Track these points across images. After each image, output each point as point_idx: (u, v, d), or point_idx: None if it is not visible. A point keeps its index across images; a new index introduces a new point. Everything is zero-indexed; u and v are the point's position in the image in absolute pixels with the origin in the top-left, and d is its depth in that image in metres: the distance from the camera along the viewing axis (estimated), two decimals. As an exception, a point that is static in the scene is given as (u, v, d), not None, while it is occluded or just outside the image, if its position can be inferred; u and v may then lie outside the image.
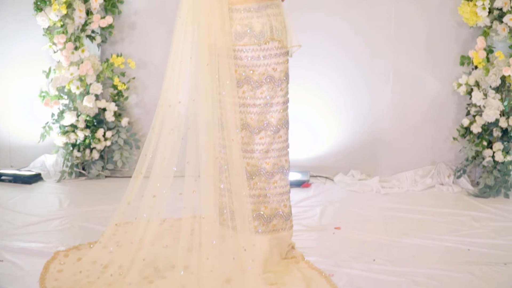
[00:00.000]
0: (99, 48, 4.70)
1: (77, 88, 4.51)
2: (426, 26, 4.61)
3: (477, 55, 4.30)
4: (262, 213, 3.11)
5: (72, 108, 4.63)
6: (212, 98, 3.02)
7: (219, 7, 3.00)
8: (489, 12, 4.25)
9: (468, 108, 4.48)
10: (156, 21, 4.77)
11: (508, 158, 4.32)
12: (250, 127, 3.07)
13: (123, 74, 4.71)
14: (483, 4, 4.19)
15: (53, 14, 4.44)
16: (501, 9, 4.24)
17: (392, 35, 4.62)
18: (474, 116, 4.43)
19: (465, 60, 4.47)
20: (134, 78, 4.79)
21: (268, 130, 3.08)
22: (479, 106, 4.38)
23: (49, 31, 4.57)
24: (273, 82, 3.05)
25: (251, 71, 3.04)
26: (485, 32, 4.33)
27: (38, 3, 4.52)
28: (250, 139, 3.09)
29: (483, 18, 4.25)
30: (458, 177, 4.51)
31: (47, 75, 4.64)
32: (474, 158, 4.40)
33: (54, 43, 4.53)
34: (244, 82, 3.06)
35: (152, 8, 4.76)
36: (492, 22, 4.29)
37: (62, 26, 4.52)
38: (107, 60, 4.66)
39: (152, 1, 4.76)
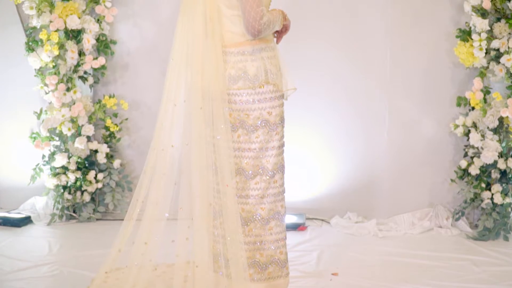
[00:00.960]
0: (91, 89, 4.64)
1: (69, 129, 4.43)
2: (422, 67, 4.56)
3: (474, 96, 4.26)
4: (258, 260, 3.02)
5: (63, 150, 4.55)
6: (206, 142, 2.96)
7: (213, 50, 2.95)
8: (486, 53, 4.20)
9: (466, 150, 4.41)
10: (150, 62, 4.71)
11: (507, 200, 4.24)
12: (245, 172, 3.00)
13: (115, 115, 4.64)
14: (480, 45, 4.15)
15: (45, 55, 4.38)
16: (498, 50, 4.20)
17: (388, 76, 4.58)
18: (472, 157, 4.36)
19: (462, 101, 4.41)
20: (127, 119, 4.72)
21: (264, 175, 3.00)
22: (477, 148, 4.31)
23: (41, 71, 4.50)
24: (268, 126, 2.99)
25: (246, 115, 2.98)
26: (482, 73, 4.29)
27: (30, 43, 4.46)
28: (245, 184, 3.01)
29: (480, 59, 4.20)
30: (457, 219, 4.43)
31: (38, 116, 4.56)
32: (472, 200, 4.33)
33: (45, 84, 4.46)
34: (239, 126, 2.99)
35: (145, 48, 4.71)
36: (489, 63, 4.25)
37: (54, 67, 4.46)
38: (100, 101, 4.60)
39: (146, 42, 4.71)
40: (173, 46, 3.08)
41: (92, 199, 4.64)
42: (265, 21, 2.88)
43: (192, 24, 3.00)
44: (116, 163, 4.62)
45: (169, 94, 3.05)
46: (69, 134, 4.46)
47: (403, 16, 4.54)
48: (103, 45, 4.54)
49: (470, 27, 4.30)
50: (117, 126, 4.60)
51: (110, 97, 4.60)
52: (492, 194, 4.29)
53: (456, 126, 4.41)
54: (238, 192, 3.00)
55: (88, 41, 4.40)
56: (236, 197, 2.96)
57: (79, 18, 4.41)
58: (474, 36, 4.18)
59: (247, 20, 2.87)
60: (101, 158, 4.56)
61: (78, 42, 4.48)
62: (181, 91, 3.03)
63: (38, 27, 4.43)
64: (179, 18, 3.08)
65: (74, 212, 4.62)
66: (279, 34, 3.17)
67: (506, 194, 4.27)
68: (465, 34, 4.32)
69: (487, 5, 4.14)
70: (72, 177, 4.51)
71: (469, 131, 4.37)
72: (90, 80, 4.57)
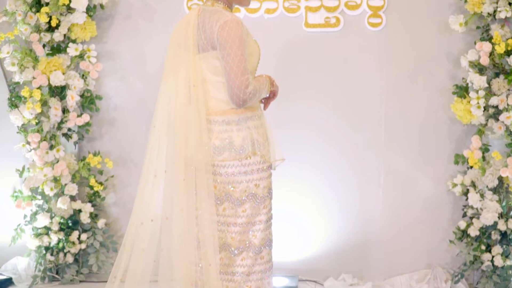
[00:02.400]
0: (75, 146, 4.47)
1: (51, 189, 4.26)
2: (418, 123, 4.41)
3: (473, 155, 4.09)
4: None
5: (46, 209, 4.37)
6: (189, 214, 2.79)
7: (197, 117, 2.79)
8: (484, 109, 4.06)
9: (465, 210, 4.24)
10: (137, 117, 4.57)
11: (508, 262, 4.06)
12: (230, 248, 2.82)
13: (100, 172, 4.47)
14: (478, 103, 4.00)
15: (27, 112, 4.22)
16: (496, 107, 4.05)
17: (383, 132, 4.42)
18: (471, 218, 4.19)
19: (459, 159, 4.25)
20: (112, 176, 4.55)
21: (250, 251, 2.83)
22: (476, 208, 4.14)
23: (23, 128, 4.34)
24: (256, 199, 2.82)
25: (232, 188, 2.81)
26: (480, 130, 4.13)
27: (13, 99, 4.31)
28: (231, 261, 2.83)
29: (478, 117, 4.05)
30: (456, 282, 4.24)
31: (21, 174, 4.40)
32: (472, 262, 4.14)
33: (28, 142, 4.29)
34: (225, 199, 2.82)
35: (132, 103, 4.57)
36: (487, 120, 4.10)
37: (37, 123, 4.30)
38: (84, 159, 4.43)
39: (133, 97, 4.57)
40: (155, 112, 2.93)
41: (76, 260, 4.45)
42: (251, 90, 2.73)
43: (175, 90, 2.86)
44: (101, 222, 4.44)
45: (150, 163, 2.89)
46: (51, 194, 4.28)
47: (398, 70, 4.40)
48: (88, 101, 4.39)
49: (467, 83, 4.15)
50: (101, 184, 4.43)
51: (94, 154, 4.43)
52: (493, 256, 4.11)
53: (454, 185, 4.24)
54: (223, 269, 2.82)
55: (72, 98, 4.25)
56: (220, 274, 2.77)
57: (64, 73, 4.26)
58: (471, 93, 4.04)
59: (231, 89, 2.72)
60: (84, 218, 4.38)
61: (62, 98, 4.32)
62: (163, 160, 2.86)
63: (21, 83, 4.27)
64: (162, 84, 2.94)
65: (57, 273, 4.43)
66: (266, 100, 3.03)
67: (507, 256, 4.09)
68: (462, 91, 4.18)
69: (485, 61, 4.00)
70: (54, 238, 4.33)
71: (467, 190, 4.20)
72: (75, 137, 4.41)
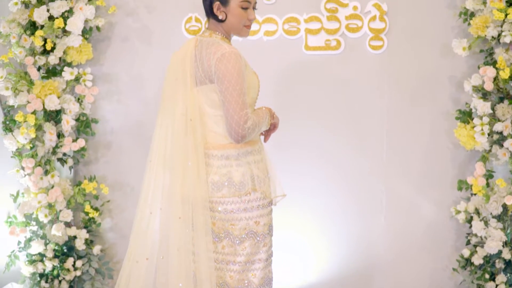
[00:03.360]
0: (71, 170, 4.37)
1: (45, 216, 4.17)
2: (420, 147, 4.33)
3: (476, 182, 4.00)
4: None
5: (41, 235, 4.27)
6: (186, 252, 2.69)
7: (194, 152, 2.71)
8: (488, 135, 3.97)
9: (468, 238, 4.15)
10: (134, 141, 4.48)
11: (513, 291, 3.97)
12: (229, 287, 2.72)
13: (96, 197, 4.38)
14: (482, 130, 3.91)
15: (21, 137, 4.13)
16: (501, 133, 3.96)
17: (384, 156, 4.34)
18: (475, 246, 4.10)
19: (463, 185, 4.16)
20: (108, 201, 4.46)
21: (249, 291, 2.73)
22: (480, 237, 4.05)
23: (18, 152, 4.24)
24: (256, 237, 2.73)
25: (231, 225, 2.72)
26: (484, 157, 4.04)
27: (7, 122, 4.22)
28: (229, 301, 2.73)
29: (482, 143, 3.96)
30: (459, 310, 4.15)
31: (15, 199, 4.30)
32: (476, 291, 4.05)
33: (22, 167, 4.20)
34: (224, 236, 2.73)
35: (129, 127, 4.48)
36: (491, 146, 4.01)
37: (32, 148, 4.20)
38: (79, 184, 4.33)
39: (130, 120, 4.48)
40: (151, 146, 2.84)
41: (71, 287, 4.34)
42: (250, 125, 2.64)
43: (171, 124, 2.77)
44: (96, 249, 4.34)
45: (146, 199, 2.81)
46: (45, 220, 4.18)
47: (400, 94, 4.32)
48: (84, 125, 4.30)
49: (471, 109, 4.06)
50: (97, 210, 4.34)
51: (90, 180, 4.34)
52: (497, 285, 4.02)
53: (458, 212, 4.15)
54: (222, 309, 2.73)
55: (68, 123, 4.16)
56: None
57: (59, 97, 4.17)
58: (475, 120, 3.95)
59: (229, 124, 2.64)
60: (80, 245, 4.28)
61: (58, 121, 4.23)
62: (158, 197, 2.77)
63: (16, 106, 4.18)
64: (158, 117, 2.86)
65: (51, 300, 4.32)
66: (267, 132, 2.94)
67: (511, 285, 4.00)
68: (466, 116, 4.09)
69: (489, 86, 3.92)
70: (49, 265, 4.23)
71: (471, 217, 4.11)
72: (70, 162, 4.32)
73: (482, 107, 3.94)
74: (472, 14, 4.08)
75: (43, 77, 4.26)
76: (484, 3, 3.98)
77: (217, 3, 2.81)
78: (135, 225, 2.81)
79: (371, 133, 4.36)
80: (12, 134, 4.17)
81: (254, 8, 2.87)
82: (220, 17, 2.82)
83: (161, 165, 2.79)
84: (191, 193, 2.69)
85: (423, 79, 4.30)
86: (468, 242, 4.18)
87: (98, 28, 4.32)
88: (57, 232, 4.20)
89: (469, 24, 4.09)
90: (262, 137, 2.97)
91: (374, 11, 4.29)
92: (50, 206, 4.23)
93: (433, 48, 4.28)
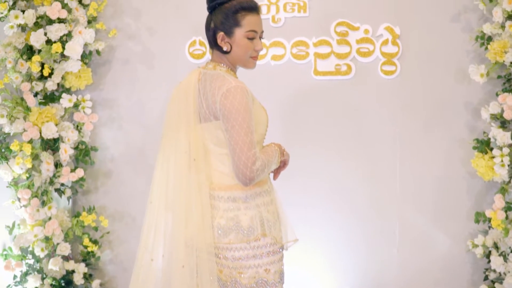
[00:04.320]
0: (69, 201, 4.17)
1: (42, 250, 3.97)
2: (434, 176, 4.13)
3: (495, 215, 3.80)
4: None
5: (37, 269, 4.07)
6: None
7: (198, 194, 2.51)
8: (508, 166, 3.77)
9: (486, 273, 3.94)
10: (135, 169, 4.29)
11: (532, 328, 3.75)
12: None
13: (95, 229, 4.18)
14: (502, 161, 3.71)
15: (17, 167, 3.94)
16: (521, 164, 3.76)
17: (397, 186, 4.14)
18: (493, 282, 3.89)
19: (480, 218, 3.96)
20: (108, 232, 4.27)
21: None
22: (499, 272, 3.84)
23: (14, 182, 4.05)
24: (266, 286, 2.53)
25: (239, 274, 2.52)
26: (503, 189, 3.84)
27: (3, 150, 4.03)
28: None
29: (502, 175, 3.76)
30: None
31: (10, 231, 4.10)
32: (494, 328, 3.84)
33: (18, 198, 4.01)
34: (231, 285, 2.53)
35: (130, 154, 4.30)
36: (511, 177, 3.80)
37: (28, 178, 4.01)
38: (78, 215, 4.14)
39: (131, 147, 4.30)
40: (152, 186, 2.65)
41: (69, 323, 4.15)
42: (258, 166, 2.44)
43: (173, 162, 2.58)
44: (95, 283, 4.15)
45: (146, 245, 2.61)
46: (42, 255, 3.98)
47: (414, 121, 4.12)
48: (83, 154, 4.11)
49: (489, 138, 3.87)
50: (96, 243, 4.14)
51: (89, 211, 4.15)
52: (516, 324, 3.80)
53: (475, 246, 3.94)
54: None
55: (66, 152, 3.97)
56: None
57: (57, 124, 3.98)
58: (495, 151, 3.75)
59: (237, 166, 2.44)
60: (78, 279, 4.08)
61: (55, 149, 4.04)
62: (160, 242, 2.57)
63: (11, 134, 3.99)
64: (159, 154, 2.66)
65: (48, 337, 4.11)
66: (276, 170, 2.74)
67: (531, 324, 3.79)
68: (483, 145, 3.89)
69: (508, 115, 3.72)
70: (46, 300, 4.03)
71: (489, 252, 3.91)
72: (68, 192, 4.13)
73: (501, 137, 3.74)
74: (490, 39, 3.89)
75: (40, 103, 4.08)
76: (503, 27, 3.80)
77: (221, 33, 2.62)
78: (134, 272, 2.61)
79: (383, 161, 4.16)
80: (7, 163, 3.98)
81: (261, 37, 2.68)
82: (224, 49, 2.63)
83: (162, 207, 2.60)
84: (195, 238, 2.49)
85: (437, 105, 4.11)
86: (486, 278, 3.97)
87: (98, 52, 4.14)
88: (54, 267, 4.00)
89: (486, 48, 3.90)
90: (271, 175, 2.77)
91: (386, 35, 4.10)
92: (47, 239, 4.03)
93: (447, 73, 4.09)
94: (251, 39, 2.63)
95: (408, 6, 4.10)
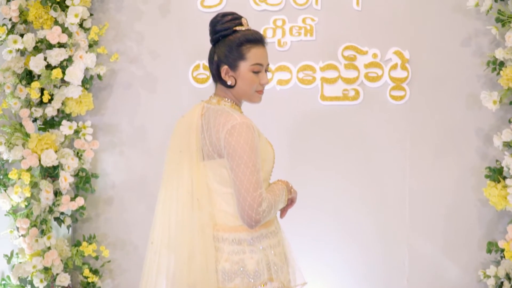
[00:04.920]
0: (69, 230, 4.06)
1: (41, 281, 3.85)
2: (445, 205, 4.01)
3: (508, 246, 3.68)
4: None
5: (37, 300, 3.96)
6: None
7: (201, 235, 2.40)
8: (520, 196, 3.66)
9: (499, 306, 3.82)
10: (137, 196, 4.18)
11: None
12: None
13: (96, 258, 4.06)
14: (516, 192, 3.59)
15: (15, 196, 3.83)
16: (535, 194, 3.64)
17: (407, 215, 4.02)
18: (506, 315, 3.76)
19: (492, 248, 3.84)
20: (109, 261, 4.16)
21: None
22: (512, 305, 3.72)
23: (12, 210, 3.94)
24: (274, 332, 2.40)
25: (245, 322, 2.39)
26: (516, 219, 3.72)
27: (1, 177, 3.92)
28: None
29: (515, 205, 3.65)
30: None
31: (9, 260, 3.99)
32: None
33: (16, 227, 3.90)
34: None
35: (132, 181, 4.19)
36: (524, 207, 3.69)
37: (27, 206, 3.90)
38: (78, 243, 4.02)
39: (132, 174, 4.18)
40: (153, 225, 2.54)
41: None
42: (265, 208, 2.33)
43: (175, 201, 2.47)
44: (96, 314, 4.02)
45: (148, 284, 2.48)
46: (41, 286, 3.87)
47: (423, 148, 4.01)
48: (83, 181, 4.00)
49: (502, 166, 3.75)
50: (97, 273, 4.03)
51: (89, 239, 4.04)
52: None
53: (487, 276, 3.82)
54: None
55: (65, 180, 3.85)
56: None
57: (57, 151, 3.87)
58: (508, 180, 3.63)
59: (242, 208, 2.33)
60: (78, 311, 3.96)
61: (55, 176, 3.93)
62: (163, 284, 2.45)
63: (10, 161, 3.88)
64: (161, 192, 2.55)
65: None
66: (284, 208, 2.63)
67: None
68: (496, 174, 3.78)
69: (522, 143, 3.61)
70: (45, 332, 3.91)
71: (501, 283, 3.78)
72: (68, 221, 4.01)
73: (515, 167, 3.63)
74: (502, 64, 3.77)
75: (40, 129, 3.97)
76: (516, 52, 3.69)
77: (225, 67, 2.51)
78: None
79: (392, 189, 4.04)
80: (5, 191, 3.87)
81: (266, 70, 2.57)
82: (229, 83, 2.52)
83: (164, 248, 2.48)
84: (199, 283, 2.37)
85: (448, 131, 4.00)
86: (498, 310, 3.85)
87: (99, 76, 4.04)
88: (54, 298, 3.89)
89: (498, 74, 3.79)
90: (278, 213, 2.66)
91: (395, 59, 3.99)
92: (46, 269, 3.91)
93: (458, 99, 3.98)
94: (256, 72, 2.52)
95: (418, 30, 3.99)
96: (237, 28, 2.53)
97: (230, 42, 2.51)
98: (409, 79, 4.00)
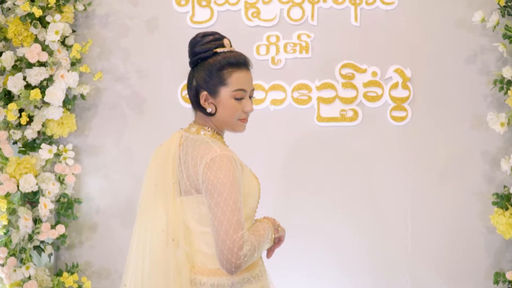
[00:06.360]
0: (50, 258, 3.83)
1: (19, 315, 3.62)
2: (449, 233, 3.80)
3: (517, 279, 3.44)
4: None
5: (15, 334, 3.72)
6: None
7: (177, 278, 2.20)
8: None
9: None
10: (122, 222, 3.96)
11: None
12: None
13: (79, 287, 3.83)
14: (526, 221, 3.36)
15: (-8, 225, 3.62)
16: (545, 224, 3.41)
17: (409, 244, 3.82)
18: None
19: (499, 278, 3.62)
20: (94, 291, 3.91)
21: None
22: None
23: (-10, 238, 3.73)
24: None
25: None
26: (525, 249, 3.49)
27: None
28: None
29: (524, 234, 3.41)
30: None
31: (-14, 291, 3.76)
32: None
33: (-6, 257, 3.68)
34: None
35: (118, 206, 3.96)
36: (534, 237, 3.46)
37: (5, 233, 3.68)
38: (60, 273, 3.80)
39: (118, 198, 3.96)
40: (126, 267, 2.33)
41: None
42: (246, 252, 2.09)
43: (149, 242, 2.25)
44: None
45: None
46: (19, 320, 3.64)
47: (426, 172, 3.80)
48: (64, 207, 3.77)
49: (510, 193, 3.52)
50: (80, 307, 3.80)
51: (71, 269, 3.82)
52: None
53: (494, 310, 3.59)
54: None
55: (45, 207, 3.62)
56: None
57: (37, 176, 3.65)
58: (516, 209, 3.40)
59: (221, 251, 2.09)
60: None
61: (35, 201, 3.70)
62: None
63: (-13, 187, 3.67)
64: (135, 229, 2.34)
65: None
66: (270, 247, 2.39)
67: None
68: (504, 200, 3.55)
69: (531, 169, 3.38)
70: None
71: (510, 317, 3.56)
72: (49, 249, 3.78)
73: (524, 193, 3.40)
74: (510, 83, 3.55)
75: (20, 151, 3.75)
76: (525, 71, 3.46)
77: (205, 93, 2.29)
78: None
79: (392, 216, 3.82)
80: (-18, 219, 3.65)
81: (251, 97, 2.35)
82: (208, 110, 2.30)
83: (138, 290, 2.25)
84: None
85: (452, 154, 3.79)
86: None
87: (82, 96, 3.82)
88: (33, 332, 3.65)
89: (505, 93, 3.57)
90: (265, 252, 2.42)
91: (396, 78, 3.78)
92: (25, 301, 3.68)
93: (463, 120, 3.78)
94: (239, 99, 2.29)
95: (420, 47, 3.78)
96: (218, 49, 2.31)
97: (210, 65, 2.28)
98: (410, 99, 3.78)
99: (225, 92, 2.27)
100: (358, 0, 3.78)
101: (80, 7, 3.78)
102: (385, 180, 3.81)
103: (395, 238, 3.81)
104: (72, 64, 3.75)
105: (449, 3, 3.76)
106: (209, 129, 2.32)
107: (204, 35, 2.34)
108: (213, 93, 2.28)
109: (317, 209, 3.83)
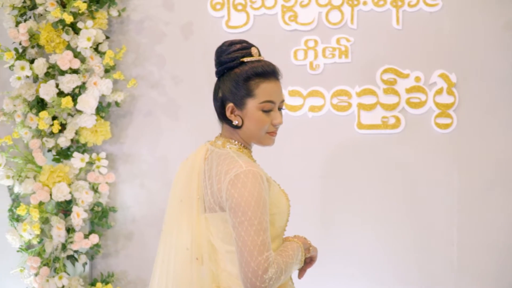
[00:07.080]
0: (84, 268, 3.77)
1: (54, 328, 3.57)
2: (498, 247, 3.60)
3: None
4: None
5: None
6: None
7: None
8: None
9: None
10: (158, 232, 3.82)
11: None
12: None
13: (114, 299, 3.77)
14: None
15: (25, 232, 3.57)
16: None
17: (455, 260, 3.64)
18: None
19: (552, 295, 3.40)
20: (129, 301, 3.85)
21: None
22: None
23: (26, 246, 3.68)
24: None
25: None
26: None
27: (14, 209, 3.67)
28: None
29: None
30: None
31: (21, 301, 3.72)
32: None
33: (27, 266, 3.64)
34: None
35: (153, 215, 3.89)
36: None
37: (39, 242, 3.64)
38: (95, 282, 3.74)
39: (153, 207, 3.89)
40: (151, 284, 2.21)
41: None
42: (272, 275, 1.97)
43: (173, 261, 2.15)
44: None
45: None
46: (55, 334, 3.59)
47: (473, 181, 3.62)
48: (98, 216, 3.71)
49: None
50: (113, 317, 3.73)
51: (107, 279, 3.75)
52: None
53: (546, 329, 3.38)
54: None
55: (78, 216, 3.56)
56: None
57: (70, 184, 3.59)
58: None
59: (244, 274, 1.97)
60: None
61: (69, 210, 3.65)
62: None
63: (21, 194, 3.62)
64: (159, 247, 2.25)
65: None
66: (302, 267, 2.26)
67: None
68: (556, 213, 3.34)
69: None
70: None
71: None
72: (83, 258, 3.72)
73: None
74: (562, 88, 3.35)
75: (54, 160, 3.70)
76: None
77: (231, 104, 2.17)
78: None
79: (438, 227, 3.65)
80: (15, 228, 3.61)
81: (280, 108, 2.22)
82: (234, 123, 2.18)
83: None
84: None
85: (500, 163, 3.59)
86: None
87: (117, 103, 3.76)
88: None
89: (556, 99, 3.37)
90: (296, 272, 2.29)
91: (441, 83, 3.60)
92: (59, 313, 3.63)
93: (511, 126, 3.58)
94: (267, 111, 2.17)
95: (465, 51, 3.59)
96: (245, 59, 2.19)
97: (236, 75, 2.16)
98: (456, 105, 3.60)
99: (252, 104, 2.15)
100: (400, 2, 3.61)
101: (114, 13, 3.70)
102: (429, 191, 3.63)
103: (441, 252, 3.63)
104: (106, 71, 3.68)
105: (496, 4, 3.56)
106: (236, 142, 2.20)
107: (231, 43, 2.22)
108: (240, 105, 2.16)
109: (357, 221, 3.68)
